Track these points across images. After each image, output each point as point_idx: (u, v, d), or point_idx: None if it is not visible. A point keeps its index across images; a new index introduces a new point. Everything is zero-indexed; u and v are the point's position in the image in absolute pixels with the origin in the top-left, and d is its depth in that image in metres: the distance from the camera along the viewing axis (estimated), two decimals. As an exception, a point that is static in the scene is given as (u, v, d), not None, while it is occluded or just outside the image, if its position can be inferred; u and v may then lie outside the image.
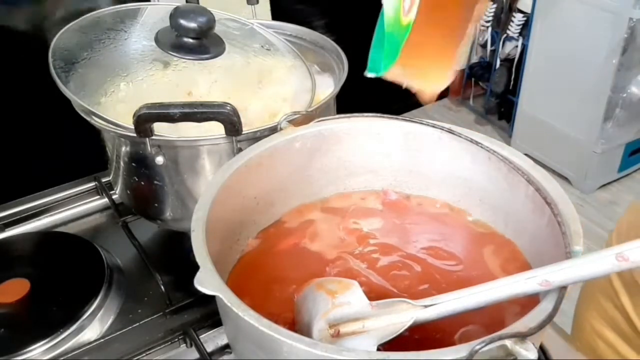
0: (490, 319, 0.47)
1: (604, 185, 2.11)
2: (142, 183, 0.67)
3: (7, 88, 0.94)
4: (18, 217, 0.82)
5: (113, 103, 0.65)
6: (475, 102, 2.53)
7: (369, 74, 0.50)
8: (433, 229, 0.58)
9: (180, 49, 0.68)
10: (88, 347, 0.62)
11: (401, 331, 0.42)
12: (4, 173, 0.94)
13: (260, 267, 0.54)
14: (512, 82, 2.27)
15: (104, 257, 0.72)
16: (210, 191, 0.49)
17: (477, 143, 0.54)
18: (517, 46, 2.22)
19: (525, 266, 0.52)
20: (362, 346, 0.42)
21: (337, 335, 0.43)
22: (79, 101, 0.62)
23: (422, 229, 0.58)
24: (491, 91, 2.36)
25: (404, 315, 0.42)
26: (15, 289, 0.68)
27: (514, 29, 2.20)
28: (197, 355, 0.61)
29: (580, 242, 0.43)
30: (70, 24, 0.70)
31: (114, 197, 0.82)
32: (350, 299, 0.45)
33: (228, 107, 0.58)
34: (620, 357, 0.72)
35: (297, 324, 0.48)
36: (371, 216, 0.60)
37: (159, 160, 0.62)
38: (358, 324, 0.43)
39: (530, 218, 0.51)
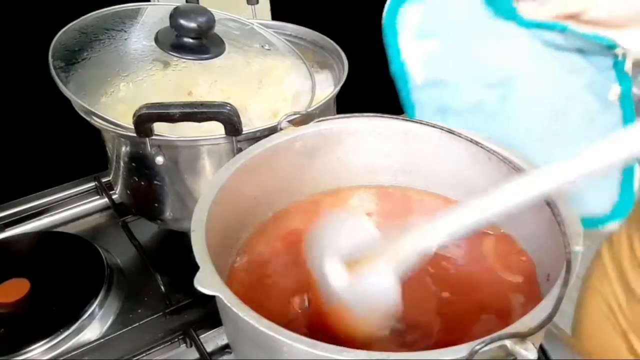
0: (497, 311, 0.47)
1: (604, 185, 2.10)
2: (142, 183, 0.67)
3: (7, 88, 0.93)
4: (18, 217, 0.82)
5: (113, 103, 0.65)
6: (475, 102, 2.52)
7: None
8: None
9: (180, 49, 0.68)
10: (88, 347, 0.62)
11: (425, 256, 0.41)
12: (4, 173, 0.93)
13: (260, 267, 0.54)
14: (512, 82, 2.27)
15: (104, 257, 0.72)
16: (210, 191, 0.49)
17: (477, 143, 0.54)
18: (517, 46, 2.22)
19: (527, 261, 0.52)
20: (381, 282, 0.40)
21: (353, 273, 0.41)
22: (79, 101, 0.62)
23: (422, 224, 0.58)
24: (491, 91, 2.36)
25: (425, 240, 0.41)
26: (15, 289, 0.68)
27: (514, 29, 2.20)
28: (197, 355, 0.61)
29: (580, 242, 0.43)
30: (70, 24, 0.70)
31: (114, 197, 0.82)
32: (361, 233, 0.43)
33: (228, 107, 0.58)
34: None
35: (308, 261, 0.46)
36: (371, 212, 0.60)
37: (159, 160, 0.62)
38: (373, 259, 0.41)
39: (530, 218, 0.51)
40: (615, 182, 0.51)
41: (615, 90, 0.51)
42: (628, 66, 0.50)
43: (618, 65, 0.50)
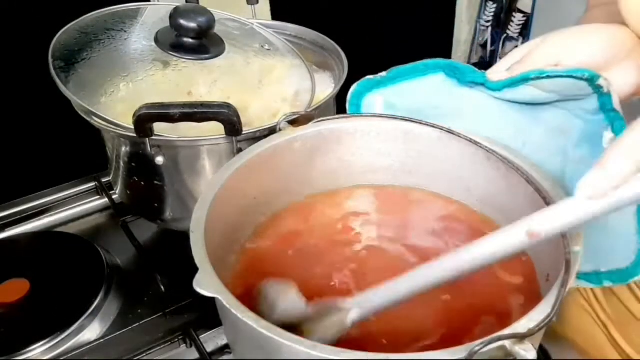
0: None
1: (604, 185, 2.10)
2: (142, 183, 0.67)
3: (7, 88, 0.94)
4: (18, 217, 0.82)
5: (113, 103, 0.65)
6: (475, 101, 2.52)
7: None
8: (433, 223, 0.58)
9: (180, 49, 0.68)
10: (88, 347, 0.62)
11: (340, 334, 0.42)
12: (4, 173, 0.94)
13: (260, 267, 0.54)
14: (512, 82, 2.27)
15: (104, 257, 0.72)
16: (210, 191, 0.49)
17: (476, 143, 0.54)
18: (517, 46, 2.21)
19: (527, 261, 0.52)
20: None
21: None
22: (79, 101, 0.62)
23: (422, 223, 0.58)
24: (491, 91, 2.36)
25: (340, 317, 0.42)
26: (15, 289, 0.68)
27: (514, 29, 2.20)
28: (197, 355, 0.61)
29: (580, 243, 0.42)
30: (70, 24, 0.70)
31: (114, 197, 0.82)
32: (287, 304, 0.44)
33: (228, 107, 0.58)
34: None
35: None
36: (371, 212, 0.60)
37: (159, 160, 0.62)
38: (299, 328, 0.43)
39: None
40: (631, 231, 0.49)
41: (609, 136, 0.48)
42: (616, 101, 0.47)
43: (605, 103, 0.47)
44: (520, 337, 0.35)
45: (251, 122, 0.64)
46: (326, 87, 0.74)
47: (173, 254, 0.74)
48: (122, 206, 0.78)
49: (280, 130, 0.57)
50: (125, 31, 0.71)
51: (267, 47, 0.75)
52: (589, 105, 0.48)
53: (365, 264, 0.55)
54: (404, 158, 0.60)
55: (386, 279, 0.53)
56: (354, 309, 0.42)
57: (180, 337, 0.63)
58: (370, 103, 0.57)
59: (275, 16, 1.18)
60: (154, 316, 0.65)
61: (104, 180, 0.85)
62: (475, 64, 2.28)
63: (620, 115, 0.47)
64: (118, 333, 0.63)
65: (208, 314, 0.64)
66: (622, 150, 0.35)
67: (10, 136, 0.96)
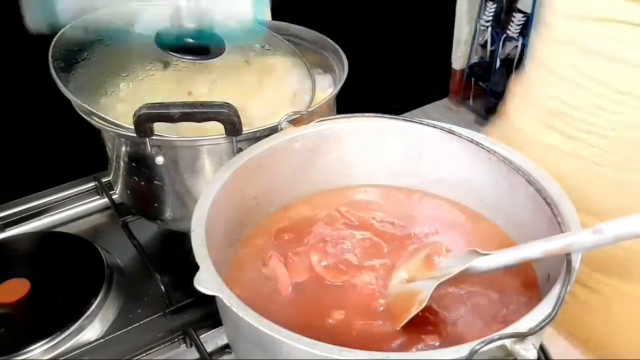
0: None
1: (604, 185, 2.11)
2: (142, 183, 0.67)
3: (7, 88, 0.94)
4: (18, 217, 0.82)
5: (113, 103, 0.65)
6: (475, 102, 2.52)
7: None
8: (433, 224, 0.58)
9: (180, 49, 0.68)
10: (88, 347, 0.62)
11: (450, 276, 0.45)
12: (4, 173, 0.94)
13: (260, 266, 0.54)
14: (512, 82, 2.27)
15: (104, 257, 0.72)
16: (210, 191, 0.49)
17: (477, 143, 0.54)
18: (517, 46, 2.22)
19: (526, 264, 0.52)
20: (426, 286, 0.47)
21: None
22: (78, 101, 0.62)
23: (422, 223, 0.58)
24: (491, 91, 2.36)
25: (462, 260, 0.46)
26: (15, 289, 0.68)
27: (514, 29, 2.20)
28: (197, 355, 0.61)
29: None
30: (70, 24, 0.70)
31: (114, 197, 0.82)
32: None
33: (228, 107, 0.58)
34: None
35: None
36: (372, 211, 0.60)
37: (159, 160, 0.62)
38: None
39: (531, 218, 0.51)
40: None
41: None
42: None
43: None
44: (520, 336, 0.35)
45: (251, 122, 0.64)
46: (326, 87, 0.74)
47: (173, 254, 0.74)
48: (122, 206, 0.78)
49: (280, 129, 0.57)
50: (125, 31, 0.71)
51: (267, 47, 0.75)
52: None
53: (367, 255, 0.55)
54: (404, 158, 0.60)
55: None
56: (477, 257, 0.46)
57: (180, 337, 0.63)
58: None
59: (275, 16, 1.18)
60: (154, 316, 0.65)
61: (104, 180, 0.85)
62: (475, 64, 2.29)
63: None
64: (118, 333, 0.63)
65: (208, 313, 0.64)
66: None
67: (11, 136, 0.96)
